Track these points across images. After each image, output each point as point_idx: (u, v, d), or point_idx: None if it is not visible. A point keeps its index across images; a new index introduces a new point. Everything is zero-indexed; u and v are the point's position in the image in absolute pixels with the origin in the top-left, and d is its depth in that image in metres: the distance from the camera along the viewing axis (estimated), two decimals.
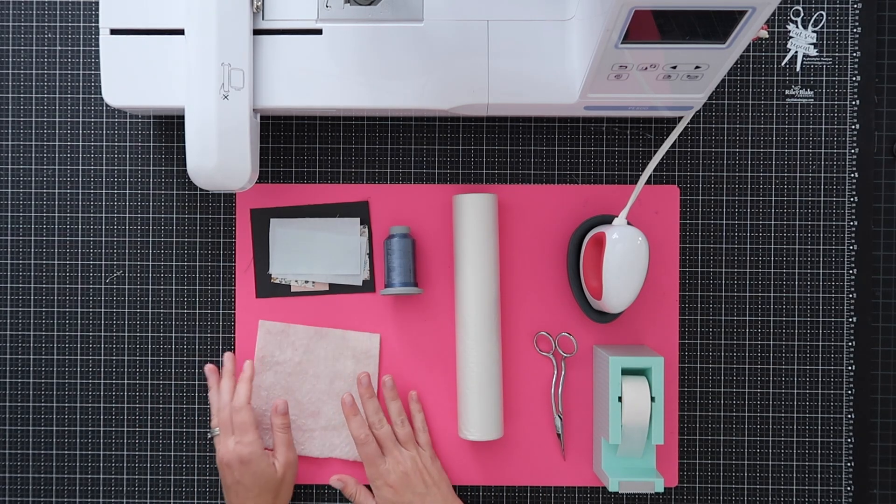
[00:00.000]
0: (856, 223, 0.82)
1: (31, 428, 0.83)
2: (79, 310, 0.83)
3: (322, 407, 0.81)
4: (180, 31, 0.73)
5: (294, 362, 0.81)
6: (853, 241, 0.82)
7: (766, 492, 0.82)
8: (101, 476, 0.83)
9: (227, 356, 0.80)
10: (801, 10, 0.82)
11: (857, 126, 0.81)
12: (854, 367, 0.82)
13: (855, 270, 0.82)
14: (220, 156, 0.71)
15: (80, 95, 0.83)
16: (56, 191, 0.83)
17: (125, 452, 0.83)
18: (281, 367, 0.81)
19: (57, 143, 0.83)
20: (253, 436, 0.75)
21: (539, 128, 0.83)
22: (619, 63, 0.64)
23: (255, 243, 0.82)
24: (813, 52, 0.82)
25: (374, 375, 0.81)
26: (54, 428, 0.83)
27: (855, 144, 0.82)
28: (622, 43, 0.60)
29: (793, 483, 0.82)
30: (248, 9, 0.71)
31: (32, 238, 0.83)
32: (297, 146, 0.83)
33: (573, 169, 0.83)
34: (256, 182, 0.82)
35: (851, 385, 0.82)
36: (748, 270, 0.82)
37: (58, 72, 0.83)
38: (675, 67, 0.64)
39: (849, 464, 0.82)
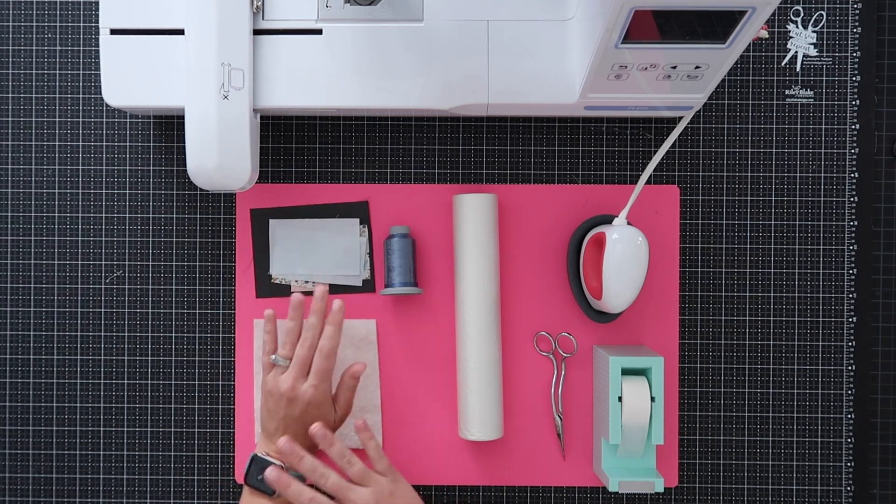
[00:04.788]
0: (856, 223, 0.82)
1: (31, 428, 0.83)
2: (79, 310, 0.83)
3: None
4: (180, 31, 0.73)
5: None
6: (853, 241, 0.82)
7: (766, 492, 0.82)
8: (101, 476, 0.83)
9: (319, 288, 0.76)
10: (801, 10, 0.82)
11: (857, 126, 0.81)
12: (854, 367, 0.82)
13: (855, 270, 0.82)
14: (220, 156, 0.71)
15: (80, 95, 0.83)
16: (56, 191, 0.83)
17: (125, 452, 0.83)
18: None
19: (57, 143, 0.83)
20: (329, 384, 0.74)
21: (539, 128, 0.83)
22: (619, 63, 0.64)
23: (255, 243, 0.82)
24: (813, 52, 0.82)
25: (374, 361, 0.81)
26: (54, 428, 0.83)
27: (855, 144, 0.82)
28: (622, 43, 0.60)
29: (793, 483, 0.82)
30: (248, 9, 0.71)
31: (32, 238, 0.83)
32: (297, 146, 0.83)
33: (573, 169, 0.83)
34: (256, 182, 0.82)
35: (851, 385, 0.82)
36: (748, 270, 0.82)
37: (58, 72, 0.83)
38: (675, 67, 0.64)
39: (849, 464, 0.82)
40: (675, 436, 0.81)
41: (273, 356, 0.75)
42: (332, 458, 0.72)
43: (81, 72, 0.83)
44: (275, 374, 0.75)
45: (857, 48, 0.81)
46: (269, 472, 0.70)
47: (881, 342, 0.82)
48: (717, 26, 0.58)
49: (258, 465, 0.72)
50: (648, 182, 0.82)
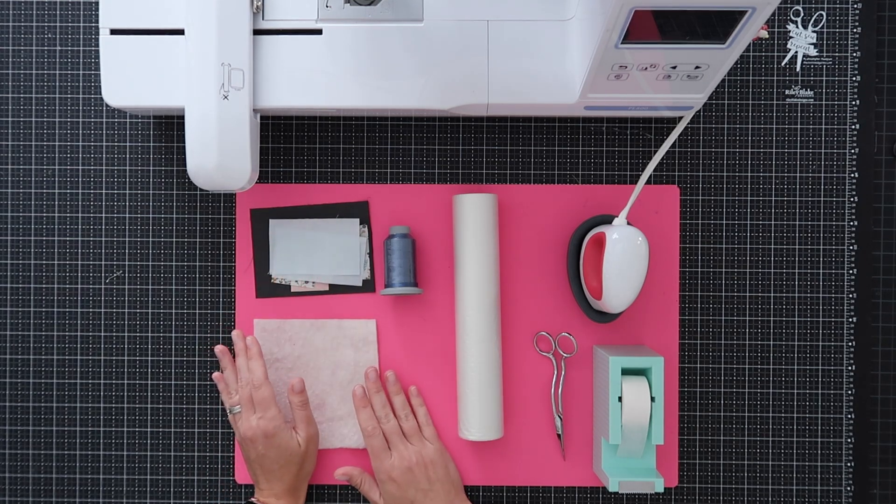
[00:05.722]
0: (856, 223, 0.82)
1: (31, 428, 0.83)
2: (79, 310, 0.83)
3: (326, 398, 0.81)
4: (180, 31, 0.73)
5: (293, 357, 0.81)
6: (853, 241, 0.82)
7: (766, 492, 0.82)
8: (101, 476, 0.83)
9: (236, 334, 0.80)
10: (801, 10, 0.82)
11: (857, 126, 0.81)
12: (854, 367, 0.82)
13: (855, 270, 0.82)
14: (220, 156, 0.71)
15: (80, 95, 0.83)
16: (56, 191, 0.83)
17: (125, 452, 0.83)
18: (281, 363, 0.81)
19: (57, 143, 0.83)
20: (275, 410, 0.76)
21: (539, 128, 0.83)
22: (619, 63, 0.64)
23: (255, 243, 0.82)
24: (813, 52, 0.82)
25: (374, 362, 0.81)
26: (54, 428, 0.83)
27: (855, 144, 0.82)
28: (622, 43, 0.60)
29: (793, 483, 0.82)
30: (248, 9, 0.71)
31: (32, 238, 0.83)
32: (297, 146, 0.83)
33: (573, 169, 0.83)
34: (256, 182, 0.82)
35: (851, 385, 0.82)
36: (748, 270, 0.82)
37: (58, 72, 0.83)
38: (675, 67, 0.64)
39: (849, 464, 0.82)
40: (675, 436, 0.81)
41: (229, 408, 0.78)
42: (394, 407, 0.79)
43: (81, 72, 0.83)
44: (236, 423, 0.78)
45: (857, 48, 0.81)
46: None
47: (881, 342, 0.82)
48: (717, 26, 0.58)
49: None
50: (648, 182, 0.82)
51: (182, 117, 0.82)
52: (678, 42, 0.60)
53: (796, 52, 0.82)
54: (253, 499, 0.78)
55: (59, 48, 0.83)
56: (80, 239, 0.83)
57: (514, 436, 0.82)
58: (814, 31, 0.82)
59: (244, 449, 0.77)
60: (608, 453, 0.77)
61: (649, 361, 0.74)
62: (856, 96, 0.81)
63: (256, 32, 0.73)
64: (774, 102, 0.82)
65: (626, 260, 0.72)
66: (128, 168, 0.83)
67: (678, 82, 0.67)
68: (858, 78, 0.81)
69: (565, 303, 0.82)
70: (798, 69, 0.82)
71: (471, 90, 0.73)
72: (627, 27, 0.58)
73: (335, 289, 0.82)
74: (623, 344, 0.81)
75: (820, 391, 0.82)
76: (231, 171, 0.71)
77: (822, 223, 0.82)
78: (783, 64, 0.82)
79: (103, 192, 0.83)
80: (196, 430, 0.83)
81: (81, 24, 0.83)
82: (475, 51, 0.73)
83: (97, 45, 0.82)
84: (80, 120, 0.83)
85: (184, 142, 0.82)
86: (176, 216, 0.83)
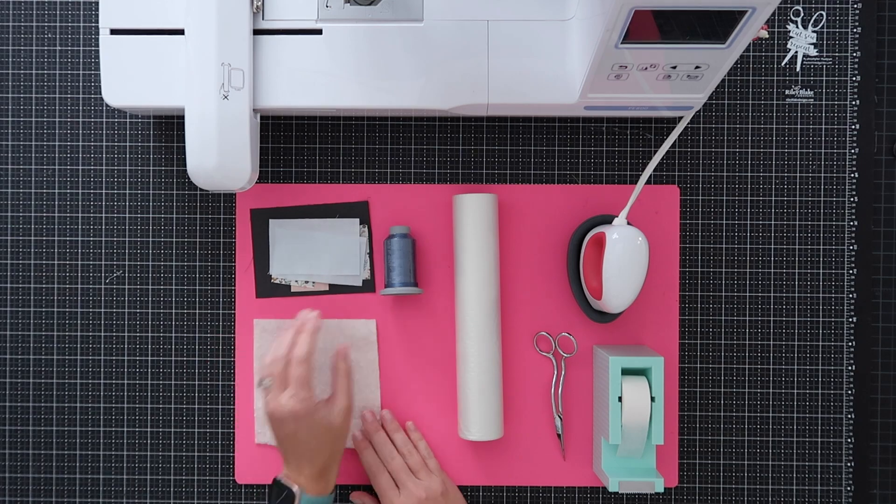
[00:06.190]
0: (856, 223, 0.82)
1: (31, 428, 0.83)
2: (79, 310, 0.83)
3: None
4: (180, 31, 0.73)
5: None
6: (853, 241, 0.82)
7: (766, 492, 0.82)
8: (101, 476, 0.83)
9: (303, 313, 0.77)
10: (801, 10, 0.82)
11: (857, 126, 0.81)
12: (854, 367, 0.82)
13: (855, 270, 0.82)
14: (220, 156, 0.71)
15: (80, 95, 0.83)
16: (56, 191, 0.83)
17: (125, 452, 0.83)
18: None
19: (57, 143, 0.83)
20: (309, 391, 0.72)
21: (539, 128, 0.83)
22: (619, 63, 0.64)
23: (255, 243, 0.82)
24: (813, 52, 0.82)
25: (374, 361, 0.81)
26: (54, 428, 0.83)
27: (855, 144, 0.82)
28: (622, 43, 0.60)
29: (793, 483, 0.82)
30: (248, 9, 0.71)
31: (32, 238, 0.83)
32: (297, 146, 0.83)
33: (573, 169, 0.83)
34: (256, 182, 0.82)
35: (851, 385, 0.82)
36: (748, 270, 0.82)
37: (58, 72, 0.83)
38: (675, 67, 0.64)
39: (849, 464, 0.82)
40: (675, 436, 0.81)
41: (258, 381, 0.75)
42: (396, 444, 0.79)
43: (81, 72, 0.83)
44: (265, 399, 0.74)
45: (857, 48, 0.81)
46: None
47: (881, 342, 0.82)
48: (717, 26, 0.58)
49: (276, 489, 0.73)
50: (648, 182, 0.82)
51: (182, 117, 0.82)
52: (678, 42, 0.60)
53: (796, 52, 0.82)
54: (281, 476, 0.74)
55: (59, 48, 0.83)
56: (80, 239, 0.83)
57: (514, 436, 0.82)
58: (814, 31, 0.82)
59: (272, 426, 0.73)
60: (608, 453, 0.77)
61: (649, 361, 0.74)
62: (856, 96, 0.81)
63: (256, 32, 0.73)
64: (774, 102, 0.82)
65: (626, 260, 0.72)
66: (128, 168, 0.83)
67: (678, 82, 0.67)
68: (858, 78, 0.81)
69: (565, 303, 0.82)
70: (798, 69, 0.82)
71: (471, 90, 0.73)
72: (627, 27, 0.58)
73: (335, 289, 0.82)
74: (623, 344, 0.81)
75: (820, 391, 0.82)
76: (231, 171, 0.71)
77: (822, 223, 0.82)
78: (783, 64, 0.82)
79: (103, 192, 0.83)
80: (196, 430, 0.83)
81: (81, 24, 0.83)
82: (475, 51, 0.73)
83: (97, 45, 0.82)
84: (80, 120, 0.83)
85: (184, 142, 0.82)
86: (176, 216, 0.83)
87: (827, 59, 0.82)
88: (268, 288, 0.82)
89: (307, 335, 0.74)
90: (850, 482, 0.81)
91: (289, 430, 0.72)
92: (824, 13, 0.82)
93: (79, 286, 0.83)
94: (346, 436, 0.77)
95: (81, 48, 0.83)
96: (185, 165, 0.79)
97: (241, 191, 0.75)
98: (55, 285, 0.83)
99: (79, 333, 0.83)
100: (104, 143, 0.83)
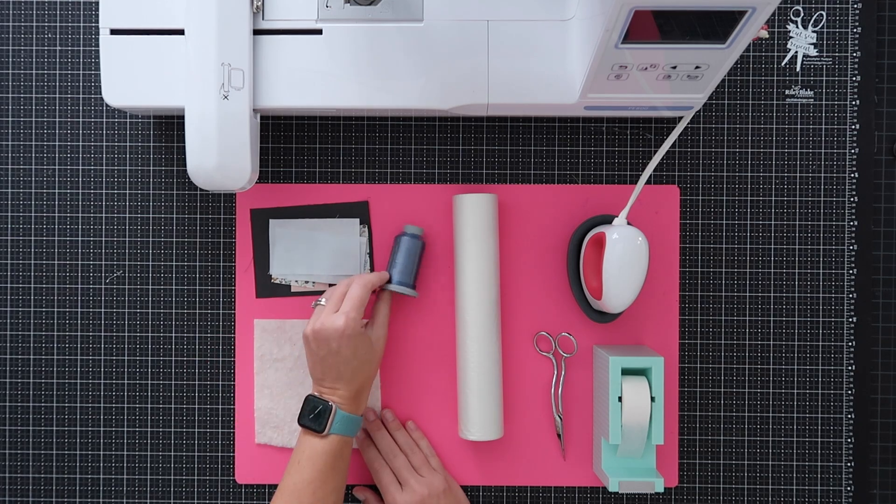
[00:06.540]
0: (856, 223, 0.82)
1: (31, 428, 0.83)
2: (79, 310, 0.83)
3: None
4: (180, 31, 0.73)
5: (294, 357, 0.81)
6: (853, 241, 0.82)
7: (766, 492, 0.82)
8: (101, 476, 0.83)
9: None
10: (801, 10, 0.82)
11: (857, 126, 0.81)
12: (854, 367, 0.82)
13: (855, 270, 0.82)
14: (220, 156, 0.71)
15: (80, 95, 0.83)
16: (56, 191, 0.83)
17: (125, 452, 0.83)
18: (281, 363, 0.81)
19: (57, 143, 0.83)
20: (360, 313, 0.73)
21: (539, 128, 0.83)
22: (619, 63, 0.64)
23: (255, 243, 0.82)
24: (813, 52, 0.82)
25: None
26: (54, 428, 0.83)
27: (855, 144, 0.82)
28: (622, 43, 0.60)
29: (793, 483, 0.82)
30: (248, 9, 0.71)
31: (32, 238, 0.83)
32: (297, 146, 0.83)
33: (573, 169, 0.83)
34: (256, 182, 0.82)
35: (851, 385, 0.82)
36: (748, 270, 0.82)
37: (58, 72, 0.83)
38: (675, 67, 0.64)
39: (849, 464, 0.82)
40: (675, 436, 0.81)
41: (315, 302, 0.75)
42: (398, 443, 0.79)
43: (81, 72, 0.83)
44: (312, 318, 0.74)
45: (857, 48, 0.81)
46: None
47: (881, 342, 0.82)
48: (717, 26, 0.58)
49: (310, 404, 0.72)
50: (648, 182, 0.82)
51: (182, 117, 0.82)
52: (678, 42, 0.60)
53: (796, 52, 0.82)
54: (314, 393, 0.74)
55: (59, 48, 0.83)
56: (80, 239, 0.83)
57: (514, 436, 0.82)
58: (814, 31, 0.82)
59: (314, 344, 0.72)
60: (608, 453, 0.77)
61: (649, 361, 0.74)
62: (856, 96, 0.81)
63: (256, 32, 0.73)
64: (774, 102, 0.82)
65: (626, 260, 0.72)
66: (128, 168, 0.83)
67: (678, 82, 0.67)
68: (858, 78, 0.81)
69: (565, 303, 0.82)
70: (798, 69, 0.82)
71: (471, 90, 0.73)
72: (627, 27, 0.58)
73: None
74: (623, 344, 0.81)
75: (820, 391, 0.82)
76: (231, 171, 0.71)
77: (822, 223, 0.82)
78: (783, 64, 0.82)
79: (103, 192, 0.83)
80: (196, 430, 0.83)
81: (81, 24, 0.83)
82: (475, 51, 0.73)
83: (97, 45, 0.82)
84: (80, 120, 0.83)
85: (184, 142, 0.82)
86: (176, 216, 0.83)
87: (827, 59, 0.82)
88: (268, 288, 0.82)
89: (376, 273, 0.77)
90: (850, 482, 0.81)
91: (333, 348, 0.72)
92: (824, 13, 0.82)
93: (79, 286, 0.83)
94: (379, 363, 0.77)
95: (81, 48, 0.83)
96: (185, 165, 0.79)
97: (241, 191, 0.75)
98: (55, 285, 0.83)
99: (79, 333, 0.83)
100: (104, 143, 0.83)
